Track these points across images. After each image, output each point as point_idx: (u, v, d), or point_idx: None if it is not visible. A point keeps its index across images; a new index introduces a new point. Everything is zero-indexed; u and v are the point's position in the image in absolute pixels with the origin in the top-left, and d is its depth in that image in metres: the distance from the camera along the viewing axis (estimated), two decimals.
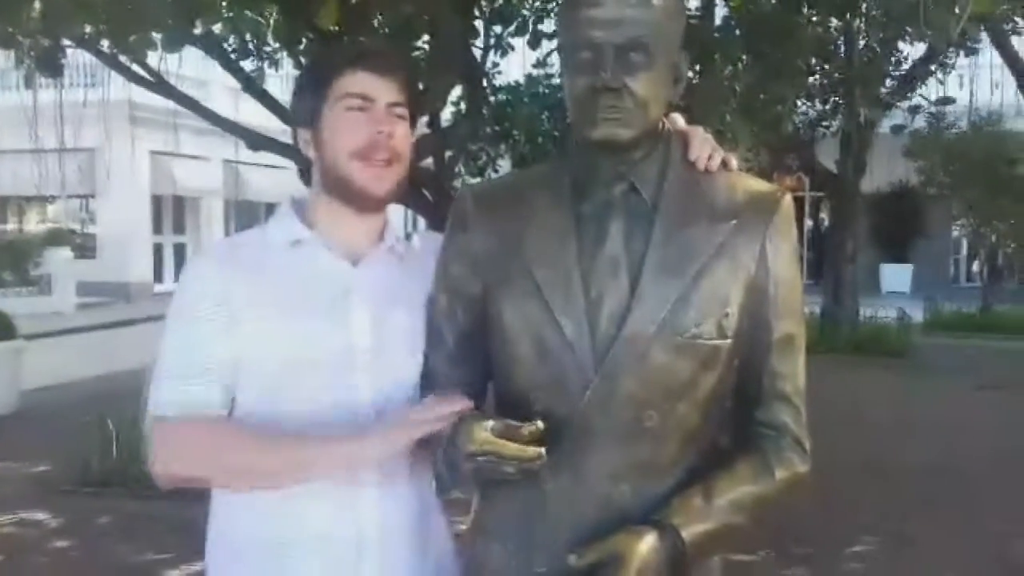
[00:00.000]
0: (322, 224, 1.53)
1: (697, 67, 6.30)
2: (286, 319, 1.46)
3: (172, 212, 21.78)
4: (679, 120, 1.47)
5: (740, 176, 1.44)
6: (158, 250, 20.98)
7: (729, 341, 1.34)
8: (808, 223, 22.75)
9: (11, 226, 21.95)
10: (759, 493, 1.34)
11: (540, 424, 1.24)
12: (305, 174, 1.60)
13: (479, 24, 7.50)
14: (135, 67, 6.90)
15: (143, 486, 5.54)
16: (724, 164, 1.42)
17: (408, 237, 1.62)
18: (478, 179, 11.20)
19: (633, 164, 1.35)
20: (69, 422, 6.40)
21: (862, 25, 8.72)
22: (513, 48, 8.52)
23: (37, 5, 5.41)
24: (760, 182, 1.45)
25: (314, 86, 1.53)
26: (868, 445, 6.82)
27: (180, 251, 21.69)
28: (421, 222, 7.48)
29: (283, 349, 1.45)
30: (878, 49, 10.88)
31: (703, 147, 1.42)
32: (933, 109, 13.47)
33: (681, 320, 1.31)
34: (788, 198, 1.42)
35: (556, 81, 10.80)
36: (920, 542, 4.89)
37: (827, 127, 12.72)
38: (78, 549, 4.80)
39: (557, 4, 8.07)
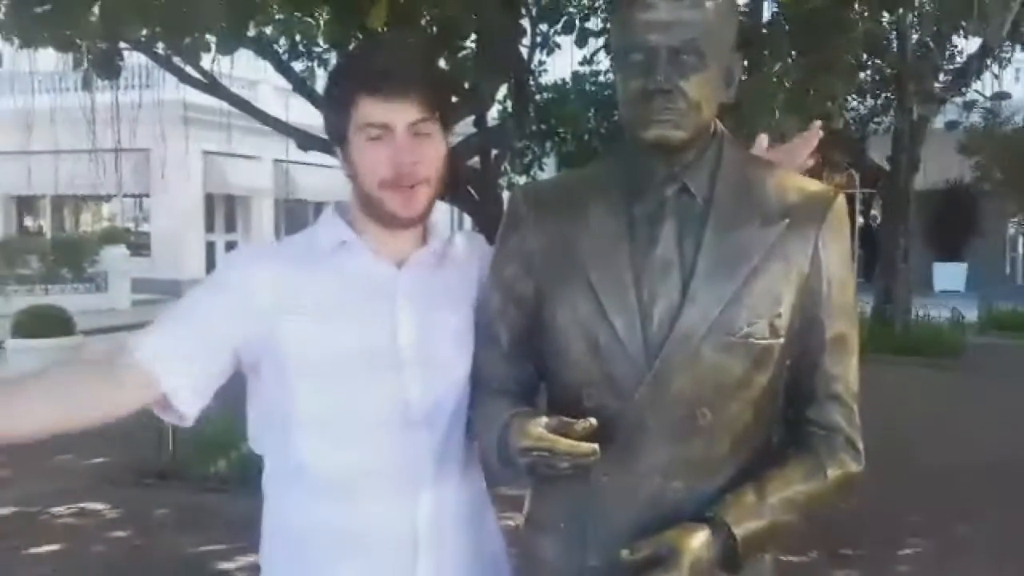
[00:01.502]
0: (365, 230, 1.54)
1: (745, 63, 6.25)
2: (332, 319, 1.47)
3: (224, 211, 22.15)
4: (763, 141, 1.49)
5: (792, 176, 1.45)
6: (210, 248, 21.32)
7: (781, 340, 1.34)
8: (859, 221, 22.41)
9: (68, 224, 22.52)
10: (811, 492, 1.35)
11: (593, 421, 1.26)
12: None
13: (526, 23, 7.51)
14: (188, 69, 7.05)
15: (199, 479, 5.68)
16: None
17: (449, 238, 1.62)
18: (524, 177, 11.22)
19: (685, 165, 1.36)
20: (126, 416, 6.54)
21: (914, 19, 8.57)
22: (559, 46, 8.53)
23: (96, 9, 5.55)
24: (812, 182, 1.45)
25: (336, 108, 1.51)
26: (918, 446, 6.72)
27: (232, 249, 22.02)
28: (467, 220, 7.53)
29: (330, 348, 1.46)
30: (931, 43, 10.69)
31: None
32: (988, 104, 13.19)
33: (733, 320, 1.32)
34: (841, 198, 1.42)
35: (602, 79, 10.78)
36: (971, 545, 4.82)
37: (879, 123, 12.52)
38: (136, 539, 4.92)
39: (604, 2, 8.07)
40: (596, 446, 1.24)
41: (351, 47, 6.05)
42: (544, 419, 1.28)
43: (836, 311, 1.38)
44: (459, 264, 1.58)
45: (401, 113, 1.46)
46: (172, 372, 1.43)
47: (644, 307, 1.33)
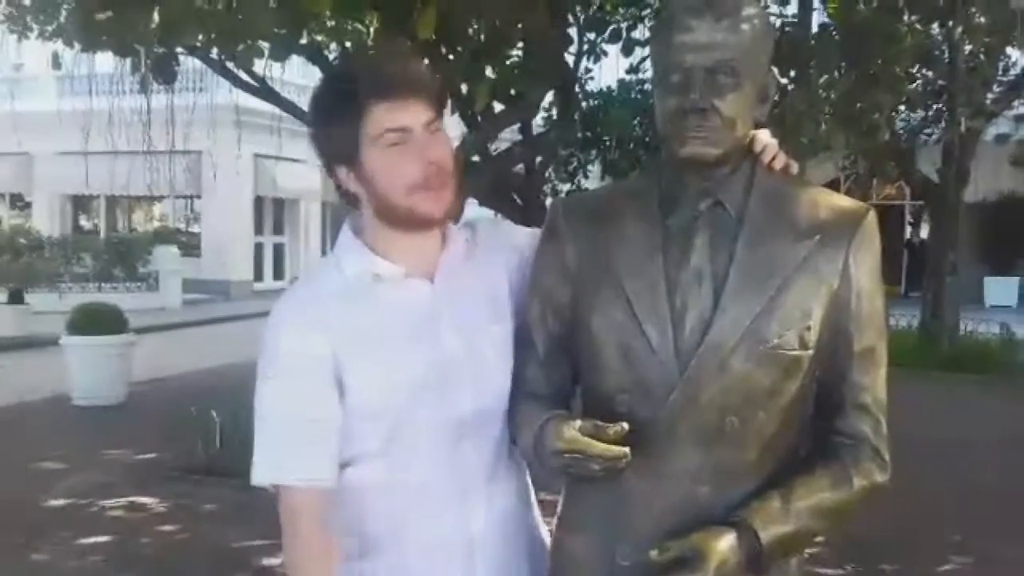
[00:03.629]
0: (388, 248, 1.51)
1: (792, 74, 6.26)
2: (383, 355, 1.47)
3: (272, 213, 22.50)
4: (762, 135, 1.51)
5: (824, 193, 1.48)
6: (258, 249, 21.68)
7: (810, 352, 1.38)
8: (907, 232, 22.08)
9: (121, 224, 23.03)
10: (837, 500, 1.39)
11: (625, 425, 1.30)
12: (347, 196, 1.56)
13: (573, 31, 7.56)
14: (242, 74, 7.22)
15: (246, 475, 5.79)
16: (786, 169, 1.47)
17: (470, 227, 1.64)
18: (568, 185, 11.26)
19: (719, 181, 1.41)
20: (175, 412, 6.71)
21: (962, 34, 8.47)
22: (606, 54, 8.55)
23: (155, 16, 5.72)
24: (844, 199, 1.47)
25: (342, 123, 1.46)
26: (961, 464, 6.63)
27: (279, 251, 22.42)
28: None
29: (385, 385, 1.46)
30: (982, 56, 10.54)
31: (769, 149, 1.46)
32: None
33: (763, 331, 1.35)
34: (872, 214, 1.44)
35: (648, 87, 10.80)
36: (1011, 564, 4.75)
37: (929, 134, 12.36)
38: (184, 532, 5.06)
39: (651, 10, 8.09)
40: (627, 450, 1.29)
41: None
42: (578, 422, 1.33)
43: (865, 324, 1.41)
44: (486, 251, 1.59)
45: (418, 112, 1.45)
46: (329, 474, 1.48)
47: (676, 317, 1.38)
